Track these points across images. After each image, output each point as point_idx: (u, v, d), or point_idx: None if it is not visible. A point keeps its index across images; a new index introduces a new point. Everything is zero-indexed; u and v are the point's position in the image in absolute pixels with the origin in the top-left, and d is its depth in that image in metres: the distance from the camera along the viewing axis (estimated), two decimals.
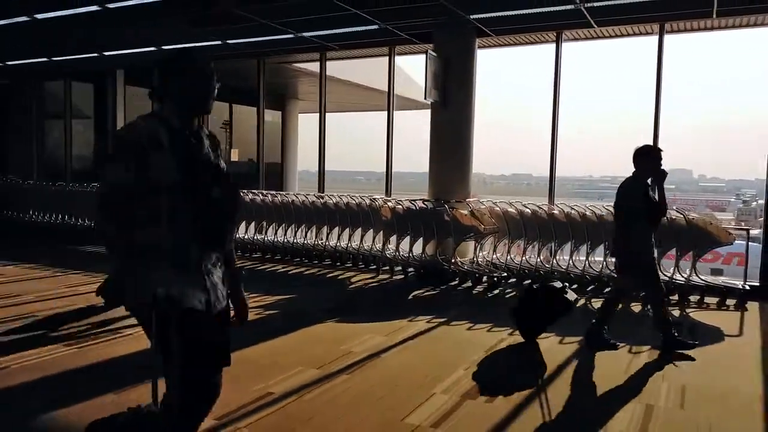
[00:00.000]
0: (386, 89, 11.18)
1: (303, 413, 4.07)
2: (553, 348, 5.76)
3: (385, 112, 11.21)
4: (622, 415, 4.14)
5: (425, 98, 9.27)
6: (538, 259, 9.19)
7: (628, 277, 5.76)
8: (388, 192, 11.26)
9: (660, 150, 5.63)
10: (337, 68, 13.26)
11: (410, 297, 8.19)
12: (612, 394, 4.61)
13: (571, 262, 9.00)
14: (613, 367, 5.22)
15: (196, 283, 2.50)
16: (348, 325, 6.51)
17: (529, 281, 8.39)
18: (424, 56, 9.36)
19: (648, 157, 5.47)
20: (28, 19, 9.57)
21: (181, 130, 2.48)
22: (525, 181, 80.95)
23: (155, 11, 8.85)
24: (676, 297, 8.11)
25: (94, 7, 8.47)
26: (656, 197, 5.48)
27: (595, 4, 8.01)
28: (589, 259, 8.83)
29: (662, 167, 5.50)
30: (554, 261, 8.97)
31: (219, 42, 10.67)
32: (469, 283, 8.91)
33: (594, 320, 5.81)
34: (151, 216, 2.40)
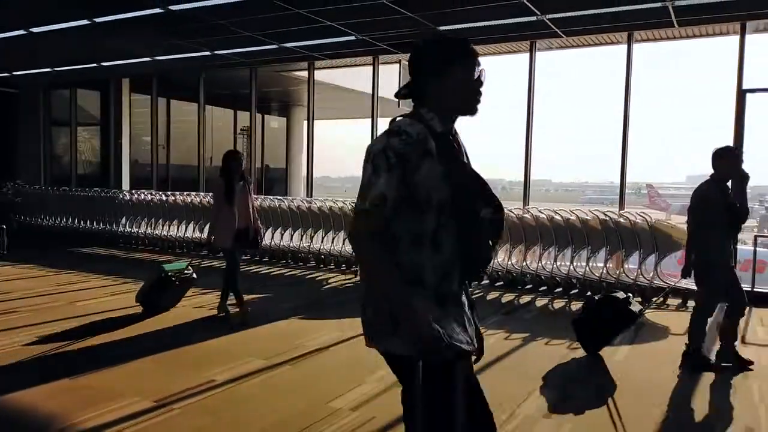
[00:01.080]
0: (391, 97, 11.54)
1: (237, 397, 4.45)
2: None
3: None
4: None
5: (399, 106, 9.61)
6: (510, 262, 9.49)
7: (710, 290, 5.29)
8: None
9: (739, 151, 5.46)
10: (340, 76, 13.68)
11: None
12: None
13: (542, 264, 9.29)
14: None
15: (459, 319, 2.11)
16: (309, 322, 6.88)
17: (589, 294, 8.11)
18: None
19: (726, 159, 5.09)
20: (29, 31, 10.06)
21: (444, 135, 2.08)
22: (543, 188, 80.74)
23: (143, 24, 9.31)
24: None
25: (84, 21, 8.93)
26: (736, 201, 5.11)
27: (557, 16, 8.33)
28: (557, 262, 9.12)
29: (743, 168, 5.16)
30: (525, 263, 9.26)
31: (209, 52, 11.11)
32: None
33: (686, 344, 5.39)
34: (414, 238, 2.02)
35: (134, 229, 13.20)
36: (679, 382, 5.06)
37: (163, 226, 12.75)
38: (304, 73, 13.99)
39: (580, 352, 5.78)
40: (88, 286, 8.61)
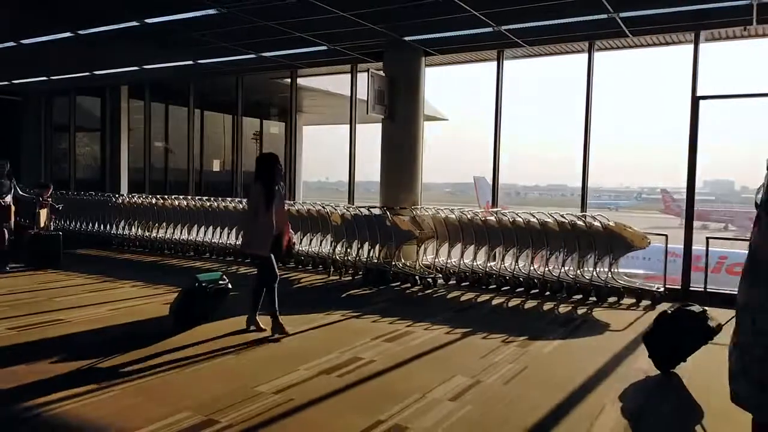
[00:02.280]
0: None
1: (174, 381, 4.88)
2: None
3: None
4: None
5: (367, 113, 10.04)
6: (476, 263, 9.84)
7: None
8: (351, 200, 12.09)
9: None
10: (336, 83, 14.07)
11: (344, 295, 8.93)
12: None
13: (509, 265, 9.63)
14: None
15: None
16: (265, 317, 7.25)
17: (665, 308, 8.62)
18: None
19: None
20: (33, 41, 10.53)
21: None
22: (560, 192, 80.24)
23: (127, 36, 9.80)
24: (594, 298, 8.71)
25: (68, 33, 9.45)
26: None
27: (513, 27, 8.71)
28: (519, 263, 9.47)
29: None
30: (490, 264, 9.62)
31: (191, 62, 11.60)
32: (409, 284, 9.62)
33: None
34: None
35: (128, 232, 13.69)
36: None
37: (158, 229, 13.24)
38: (300, 81, 14.40)
39: (513, 347, 6.15)
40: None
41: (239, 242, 10.49)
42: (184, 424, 3.98)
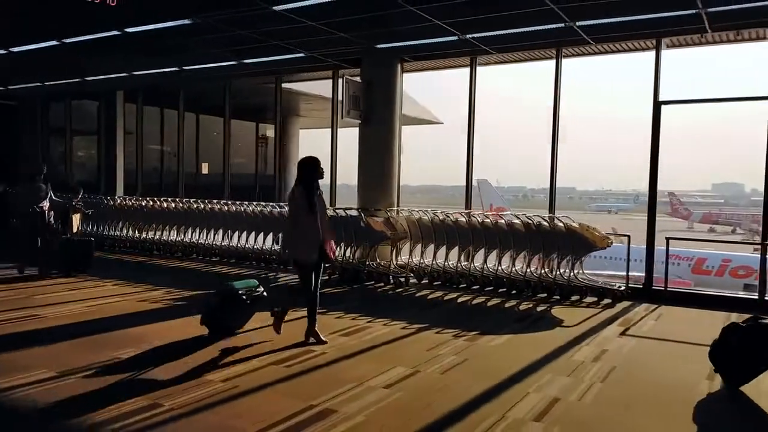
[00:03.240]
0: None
1: (124, 367, 5.23)
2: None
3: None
4: None
5: (342, 117, 10.40)
6: (448, 263, 10.15)
7: None
8: (332, 202, 12.43)
9: None
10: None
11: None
12: None
13: (479, 265, 9.95)
14: None
15: None
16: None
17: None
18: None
19: None
20: (48, 45, 10.90)
21: None
22: (568, 195, 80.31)
23: (114, 44, 10.19)
24: (557, 296, 9.02)
25: (53, 42, 9.86)
26: None
27: (479, 35, 9.05)
28: (487, 262, 9.78)
29: None
30: (461, 264, 9.94)
31: (177, 68, 11.99)
32: (382, 283, 9.96)
33: None
34: None
35: (120, 233, 14.08)
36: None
37: (147, 230, 13.64)
38: (294, 86, 14.71)
39: (462, 341, 6.47)
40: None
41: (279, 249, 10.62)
42: (132, 407, 4.33)
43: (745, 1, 7.42)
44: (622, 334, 7.06)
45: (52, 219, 9.93)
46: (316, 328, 6.21)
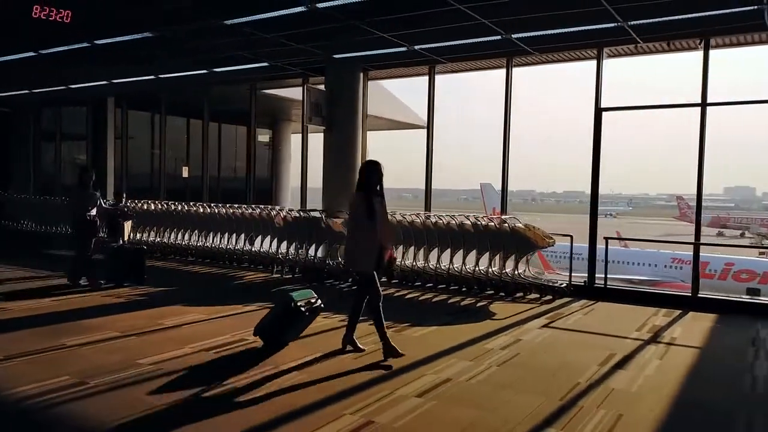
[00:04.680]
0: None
1: (75, 355, 5.77)
2: None
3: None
4: None
5: (304, 123, 10.95)
6: (405, 261, 10.65)
7: None
8: (303, 203, 13.01)
9: None
10: None
11: (274, 290, 9.77)
12: None
13: (433, 264, 10.45)
14: None
15: None
16: (187, 308, 8.10)
17: None
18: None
19: None
20: (27, 55, 11.48)
21: None
22: (578, 199, 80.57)
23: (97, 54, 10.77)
24: (502, 293, 9.51)
25: (30, 53, 10.47)
26: None
27: (426, 46, 9.57)
28: (440, 261, 10.29)
29: None
30: (417, 262, 10.44)
31: (152, 77, 12.59)
32: (341, 281, 10.49)
33: None
34: None
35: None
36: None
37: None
38: (284, 92, 15.17)
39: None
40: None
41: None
42: (61, 384, 4.87)
43: (665, 15, 7.88)
44: (544, 326, 7.55)
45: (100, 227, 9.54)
46: (391, 342, 5.88)
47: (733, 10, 7.56)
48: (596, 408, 4.68)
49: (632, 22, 8.07)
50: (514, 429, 4.23)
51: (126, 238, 10.77)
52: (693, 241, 9.75)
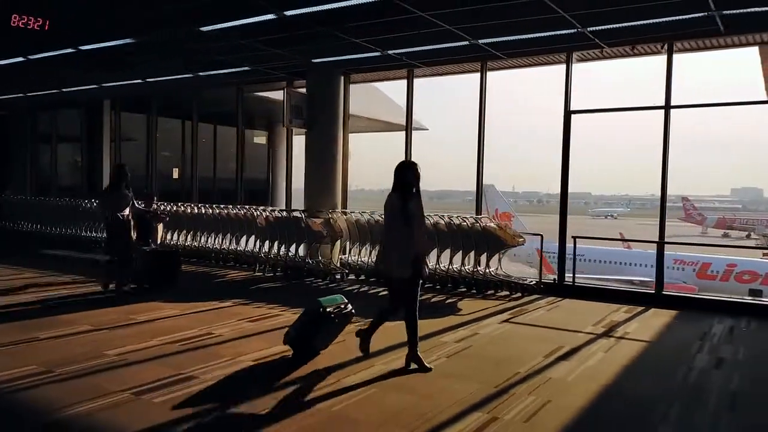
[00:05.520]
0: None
1: (44, 348, 6.10)
2: None
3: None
4: None
5: (283, 125, 11.28)
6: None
7: None
8: (288, 204, 13.34)
9: None
10: None
11: (253, 287, 10.12)
12: None
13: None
14: None
15: None
16: (163, 304, 8.39)
17: None
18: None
19: None
20: (17, 60, 11.82)
21: None
22: (583, 200, 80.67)
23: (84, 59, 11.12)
24: (474, 290, 9.80)
25: (20, 59, 10.83)
26: None
27: (399, 51, 9.88)
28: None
29: None
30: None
31: (140, 81, 12.95)
32: (321, 279, 10.80)
33: None
34: None
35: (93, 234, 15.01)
36: None
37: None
38: (279, 94, 15.37)
39: (353, 326, 7.24)
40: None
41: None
42: (28, 372, 5.20)
43: (624, 21, 8.15)
44: (505, 321, 7.85)
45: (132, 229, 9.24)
46: (418, 352, 5.65)
47: (690, 15, 7.81)
48: (527, 395, 4.97)
49: (592, 28, 8.33)
50: (442, 412, 4.52)
51: (159, 240, 10.64)
52: (658, 240, 9.95)
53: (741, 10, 7.46)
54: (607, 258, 26.47)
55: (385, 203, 5.59)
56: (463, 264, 10.24)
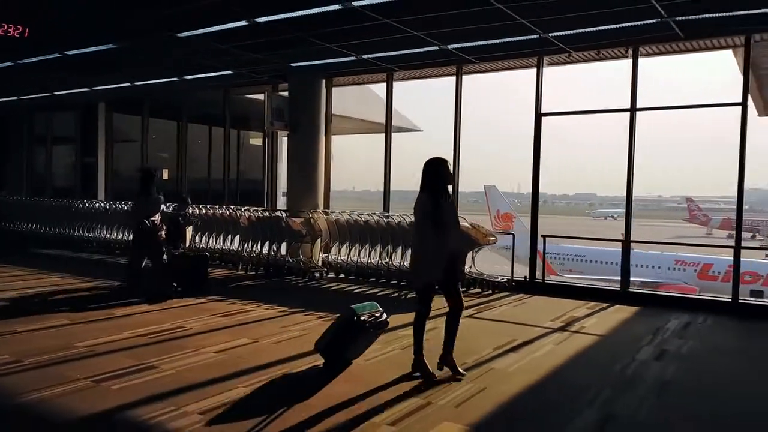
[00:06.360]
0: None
1: (19, 340, 6.42)
2: None
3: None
4: None
5: (265, 127, 11.59)
6: (361, 259, 11.25)
7: None
8: (272, 204, 13.68)
9: None
10: None
11: (232, 285, 10.42)
12: None
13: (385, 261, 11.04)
14: None
15: None
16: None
17: None
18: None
19: None
20: (6, 65, 12.15)
21: None
22: (588, 201, 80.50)
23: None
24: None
25: (8, 63, 11.19)
26: None
27: (373, 55, 10.18)
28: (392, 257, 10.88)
29: None
30: (371, 259, 11.04)
31: (129, 84, 13.29)
32: (300, 277, 11.12)
33: None
34: None
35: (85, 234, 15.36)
36: None
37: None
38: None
39: (318, 321, 7.57)
40: None
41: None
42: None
43: (585, 27, 8.43)
44: (468, 316, 8.06)
45: (162, 233, 8.95)
46: (453, 357, 5.46)
47: (645, 21, 8.09)
48: (467, 383, 5.26)
49: (554, 34, 8.62)
50: (382, 398, 4.82)
51: (187, 244, 10.50)
52: (624, 239, 10.22)
53: (692, 17, 7.74)
54: (607, 259, 26.56)
55: (415, 205, 5.26)
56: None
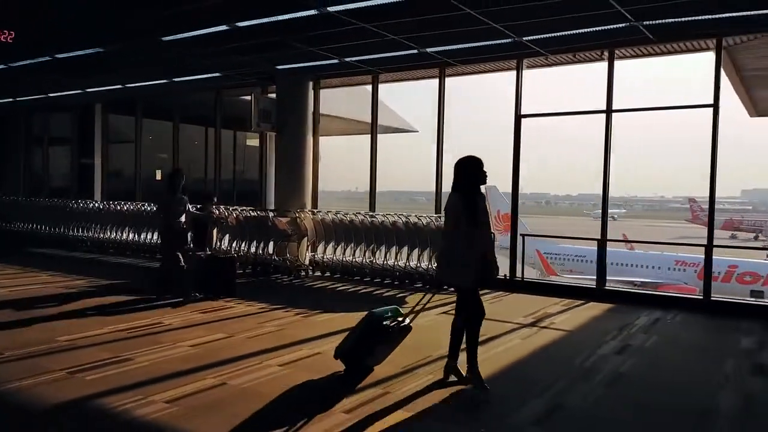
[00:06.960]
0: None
1: (4, 334, 6.67)
2: None
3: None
4: None
5: (251, 129, 11.84)
6: (346, 257, 11.49)
7: None
8: (263, 204, 13.90)
9: None
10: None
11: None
12: None
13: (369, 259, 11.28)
14: None
15: None
16: (128, 297, 8.96)
17: None
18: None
19: None
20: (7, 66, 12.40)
21: None
22: (591, 201, 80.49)
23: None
24: (429, 286, 10.31)
25: (2, 66, 11.45)
26: None
27: (356, 58, 10.41)
28: (375, 255, 11.12)
29: None
30: (356, 258, 11.29)
31: (120, 86, 13.55)
32: (287, 276, 11.36)
33: None
34: None
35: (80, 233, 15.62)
36: None
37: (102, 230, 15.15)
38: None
39: (296, 317, 7.81)
40: None
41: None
42: None
43: (555, 31, 8.65)
44: (443, 312, 8.34)
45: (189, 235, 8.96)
46: (477, 368, 5.22)
47: (615, 26, 8.30)
48: (427, 375, 5.49)
49: (529, 38, 8.84)
50: (346, 389, 5.05)
51: (213, 245, 10.57)
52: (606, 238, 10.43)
53: (661, 21, 7.95)
54: (608, 259, 26.65)
55: (446, 205, 5.16)
56: (419, 261, 10.75)
